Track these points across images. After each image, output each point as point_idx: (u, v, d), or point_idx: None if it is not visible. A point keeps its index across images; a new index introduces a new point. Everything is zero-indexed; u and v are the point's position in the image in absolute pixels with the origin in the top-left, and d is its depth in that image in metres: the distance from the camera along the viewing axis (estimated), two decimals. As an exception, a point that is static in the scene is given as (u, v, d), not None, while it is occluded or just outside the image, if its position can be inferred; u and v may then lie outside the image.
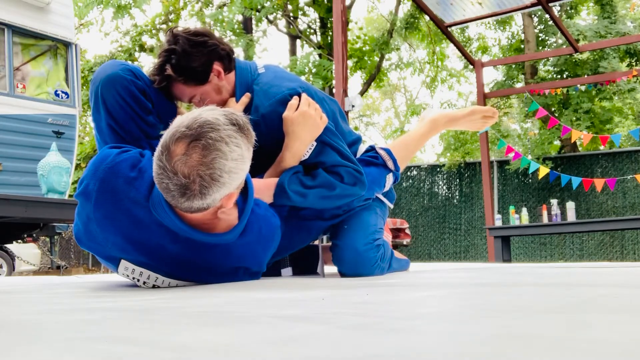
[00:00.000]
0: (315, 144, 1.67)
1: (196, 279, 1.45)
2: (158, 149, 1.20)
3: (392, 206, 2.06)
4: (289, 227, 1.70)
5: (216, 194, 1.20)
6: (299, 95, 1.64)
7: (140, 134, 1.58)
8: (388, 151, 1.95)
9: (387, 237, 2.41)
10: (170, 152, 1.16)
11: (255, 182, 1.60)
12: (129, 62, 1.66)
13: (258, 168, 1.60)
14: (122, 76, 1.56)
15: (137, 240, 1.33)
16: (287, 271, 1.91)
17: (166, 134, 1.20)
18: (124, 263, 1.36)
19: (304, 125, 1.61)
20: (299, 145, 1.64)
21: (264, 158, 1.63)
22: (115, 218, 1.31)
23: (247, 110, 1.68)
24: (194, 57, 1.63)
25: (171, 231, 1.31)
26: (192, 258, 1.38)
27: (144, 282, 1.39)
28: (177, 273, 1.42)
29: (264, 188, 1.64)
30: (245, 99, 1.69)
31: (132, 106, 1.56)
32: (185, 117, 1.21)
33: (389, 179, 1.95)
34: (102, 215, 1.31)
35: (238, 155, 1.20)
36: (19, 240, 7.53)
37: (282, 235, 1.60)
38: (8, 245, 7.21)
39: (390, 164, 1.94)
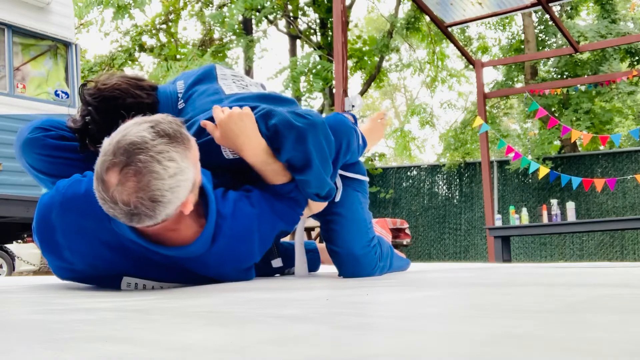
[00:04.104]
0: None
1: (194, 282, 1.46)
2: (94, 179, 1.16)
3: (367, 179, 1.97)
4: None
5: (166, 210, 1.16)
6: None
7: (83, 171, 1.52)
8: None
9: (387, 237, 2.40)
10: (105, 182, 1.13)
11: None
12: (37, 119, 1.61)
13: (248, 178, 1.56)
14: (32, 139, 1.53)
15: (116, 261, 1.34)
16: (277, 262, 1.89)
17: (97, 163, 1.16)
18: (125, 279, 1.39)
19: (235, 128, 1.45)
20: (250, 146, 1.47)
21: (243, 170, 1.55)
22: (91, 254, 1.32)
23: None
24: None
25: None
26: (181, 265, 1.38)
27: (144, 286, 1.41)
28: (173, 279, 1.43)
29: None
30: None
31: (61, 156, 1.54)
32: (112, 140, 1.15)
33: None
34: (80, 254, 1.33)
35: (174, 170, 1.14)
36: (19, 240, 7.54)
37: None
38: (8, 245, 7.22)
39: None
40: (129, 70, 14.59)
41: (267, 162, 1.50)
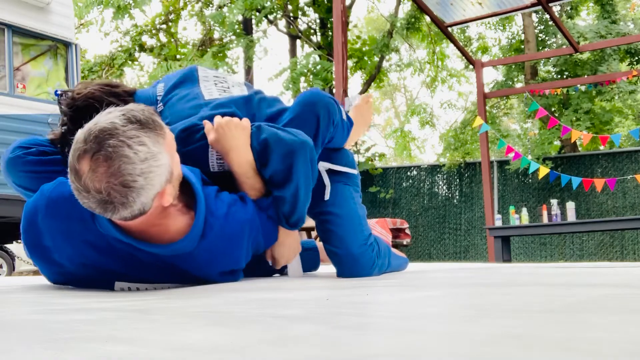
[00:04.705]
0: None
1: (187, 283, 1.46)
2: (68, 171, 1.15)
3: (357, 171, 1.97)
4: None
5: (140, 198, 1.14)
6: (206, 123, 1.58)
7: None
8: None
9: (387, 237, 2.40)
10: (78, 171, 1.11)
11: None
12: (20, 139, 1.66)
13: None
14: (14, 158, 1.57)
15: (105, 263, 1.33)
16: None
17: (70, 153, 1.14)
18: (118, 284, 1.39)
19: (230, 135, 1.53)
20: (238, 155, 1.55)
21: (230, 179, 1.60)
22: (79, 255, 1.32)
23: None
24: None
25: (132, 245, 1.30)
26: (169, 264, 1.37)
27: (137, 289, 1.40)
28: (166, 279, 1.41)
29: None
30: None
31: (43, 170, 1.57)
32: (83, 129, 1.15)
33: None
34: (68, 256, 1.33)
35: (146, 155, 1.12)
36: (19, 240, 7.53)
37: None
38: (8, 245, 7.21)
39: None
40: (129, 71, 14.59)
41: (247, 175, 1.58)
